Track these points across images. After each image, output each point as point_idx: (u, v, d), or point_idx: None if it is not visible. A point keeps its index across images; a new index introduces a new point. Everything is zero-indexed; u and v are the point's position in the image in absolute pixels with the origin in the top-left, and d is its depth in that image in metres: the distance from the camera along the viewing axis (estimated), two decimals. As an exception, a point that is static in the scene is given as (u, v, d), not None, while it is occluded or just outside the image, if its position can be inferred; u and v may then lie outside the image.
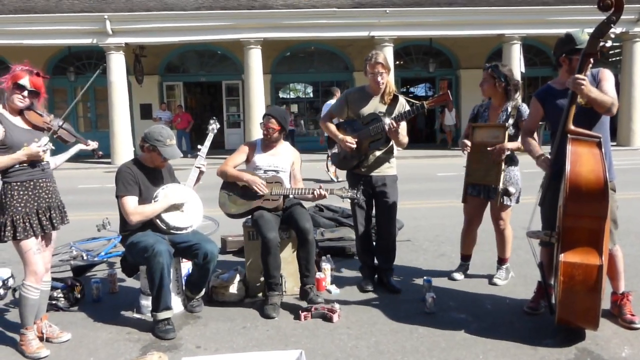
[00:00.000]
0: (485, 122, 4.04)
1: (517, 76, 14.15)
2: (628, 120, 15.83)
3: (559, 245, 2.94)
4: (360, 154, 3.85)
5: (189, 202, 3.61)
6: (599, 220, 2.83)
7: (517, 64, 14.93)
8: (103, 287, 4.06)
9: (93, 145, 3.76)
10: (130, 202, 3.39)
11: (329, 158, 4.10)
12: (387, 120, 3.64)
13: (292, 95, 20.87)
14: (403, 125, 3.75)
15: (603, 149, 2.90)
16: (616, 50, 17.08)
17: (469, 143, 3.95)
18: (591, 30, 2.89)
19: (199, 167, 3.81)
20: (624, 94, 15.67)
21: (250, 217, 3.89)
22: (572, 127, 3.00)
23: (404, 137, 3.78)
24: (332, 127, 3.96)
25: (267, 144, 3.96)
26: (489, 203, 4.04)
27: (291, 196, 3.93)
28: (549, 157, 3.16)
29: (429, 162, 13.90)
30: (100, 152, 3.78)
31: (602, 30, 2.83)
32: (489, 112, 4.05)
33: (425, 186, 9.48)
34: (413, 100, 3.85)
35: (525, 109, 3.91)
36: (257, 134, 13.79)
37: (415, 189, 8.78)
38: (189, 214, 3.59)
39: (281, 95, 20.33)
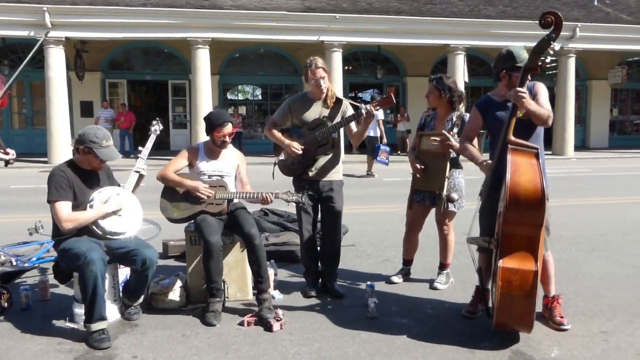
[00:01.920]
0: (432, 130, 4.12)
1: (461, 86, 14.65)
2: (562, 130, 16.70)
3: (498, 251, 3.03)
4: (307, 160, 3.84)
5: (127, 207, 3.48)
6: (536, 227, 2.93)
7: (460, 74, 15.47)
8: (33, 294, 3.85)
9: (10, 156, 3.58)
10: (63, 208, 3.23)
11: (275, 164, 4.07)
12: (365, 106, 3.65)
13: (241, 97, 20.63)
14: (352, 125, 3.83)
15: (540, 160, 3.01)
16: (553, 64, 18.01)
17: (419, 167, 4.03)
18: (532, 45, 3.01)
19: (138, 171, 3.67)
20: (559, 105, 16.55)
21: (192, 221, 3.80)
22: (512, 137, 3.11)
23: (361, 137, 3.85)
24: (277, 133, 3.93)
25: (212, 149, 3.89)
26: (434, 209, 4.12)
27: (236, 200, 3.87)
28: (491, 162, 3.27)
29: (376, 167, 14.11)
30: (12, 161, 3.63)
31: (543, 46, 2.97)
32: (435, 122, 4.14)
33: (372, 191, 9.59)
34: (357, 104, 3.87)
35: (468, 119, 4.02)
36: (204, 135, 13.53)
37: (362, 194, 8.86)
38: (127, 218, 3.46)
39: (229, 96, 20.07)
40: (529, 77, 3.11)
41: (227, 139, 3.81)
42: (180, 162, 3.91)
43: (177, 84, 18.40)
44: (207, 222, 3.64)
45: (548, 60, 3.00)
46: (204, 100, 14.70)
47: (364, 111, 3.62)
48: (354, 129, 3.86)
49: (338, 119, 3.81)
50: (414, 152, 4.15)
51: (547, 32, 2.94)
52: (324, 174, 3.91)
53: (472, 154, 3.40)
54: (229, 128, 3.80)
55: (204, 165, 3.87)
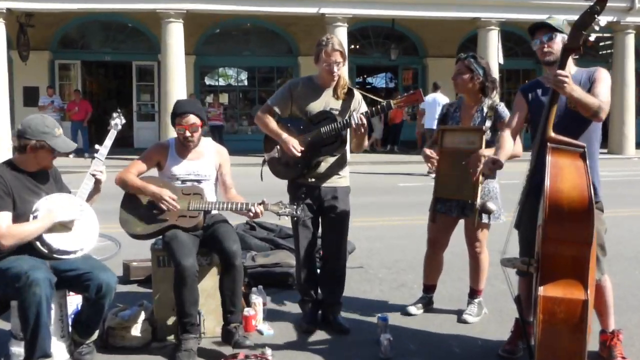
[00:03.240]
0: (457, 124, 4.10)
1: (495, 70, 14.65)
2: (620, 124, 16.60)
3: (538, 275, 3.00)
4: (307, 160, 3.82)
5: (80, 219, 3.44)
6: (583, 246, 2.89)
7: (494, 54, 15.46)
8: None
9: None
10: (1, 220, 3.20)
11: (264, 163, 4.08)
12: (355, 115, 3.68)
13: (222, 82, 20.72)
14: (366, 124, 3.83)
15: (588, 162, 2.98)
16: (607, 42, 17.99)
17: (435, 155, 4.01)
18: (574, 18, 2.99)
19: (94, 174, 3.63)
20: (615, 93, 16.49)
21: (161, 237, 3.77)
22: (552, 133, 3.07)
23: (365, 139, 3.86)
24: (272, 123, 3.91)
25: (185, 147, 3.88)
26: (464, 222, 4.10)
27: (214, 212, 3.85)
28: (497, 159, 3.22)
29: (389, 169, 14.21)
30: None
31: (585, 21, 2.93)
32: (461, 113, 4.12)
33: (384, 200, 9.60)
34: (376, 98, 3.88)
35: (503, 110, 4.00)
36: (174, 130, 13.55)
37: (371, 203, 8.86)
38: (78, 233, 3.42)
39: (208, 81, 20.15)
40: (575, 57, 3.10)
41: (189, 134, 3.81)
42: (145, 163, 3.89)
43: (143, 66, 18.44)
44: (178, 239, 3.61)
45: (593, 37, 2.97)
46: (177, 86, 14.73)
47: (353, 122, 3.68)
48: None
49: (348, 114, 3.83)
50: (432, 145, 4.16)
51: (590, 4, 2.92)
52: (327, 179, 3.90)
53: (498, 144, 3.37)
54: (190, 120, 3.78)
55: (176, 167, 3.85)
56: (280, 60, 19.32)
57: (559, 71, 2.99)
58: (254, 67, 19.58)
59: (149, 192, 3.75)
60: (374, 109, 3.76)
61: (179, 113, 3.81)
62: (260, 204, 3.69)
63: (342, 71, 3.85)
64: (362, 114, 3.70)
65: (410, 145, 18.15)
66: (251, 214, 3.69)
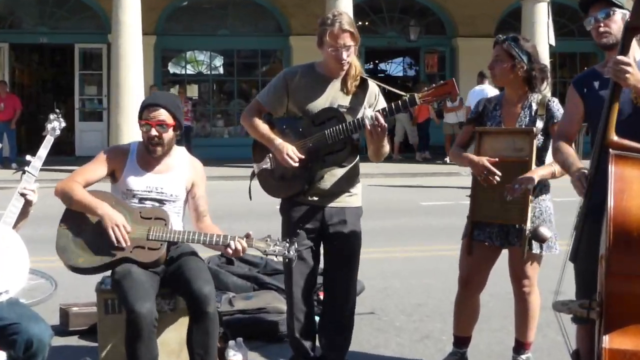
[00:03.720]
0: (498, 124, 4.10)
1: (544, 54, 14.70)
2: None
3: (602, 322, 2.98)
4: (308, 172, 3.86)
5: (4, 251, 3.43)
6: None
7: (542, 34, 15.53)
8: None
9: None
10: None
11: (254, 176, 4.10)
12: (368, 113, 3.65)
13: (191, 70, 20.84)
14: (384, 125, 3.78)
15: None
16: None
17: (489, 165, 3.94)
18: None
19: (24, 194, 3.61)
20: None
21: (110, 273, 3.77)
22: (614, 137, 3.05)
23: (385, 143, 3.81)
24: (263, 125, 3.92)
25: (150, 153, 3.86)
26: (508, 254, 4.08)
27: (181, 242, 3.83)
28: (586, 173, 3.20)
29: (409, 182, 14.27)
30: None
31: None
32: (503, 110, 4.11)
33: (402, 223, 9.61)
34: (396, 90, 3.86)
35: (557, 107, 4.00)
36: (129, 132, 13.62)
37: (385, 228, 8.86)
38: (2, 270, 3.41)
39: (172, 69, 20.27)
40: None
41: (156, 134, 3.76)
42: (99, 169, 3.87)
43: (88, 50, 18.54)
44: (133, 277, 3.59)
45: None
46: (132, 76, 14.79)
47: (367, 122, 3.64)
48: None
49: (361, 112, 3.80)
50: (461, 150, 4.15)
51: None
52: (333, 197, 3.92)
53: (564, 158, 3.35)
54: (160, 115, 3.75)
55: (135, 180, 3.83)
56: (266, 41, 19.44)
57: (619, 57, 2.96)
58: (232, 50, 19.69)
59: (98, 213, 3.72)
60: (393, 105, 3.72)
61: (147, 104, 3.83)
62: (243, 238, 3.67)
63: (354, 57, 3.84)
64: (379, 111, 3.68)
65: (435, 150, 18.21)
66: (230, 251, 3.66)
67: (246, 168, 15.66)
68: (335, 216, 3.91)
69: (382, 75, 24.04)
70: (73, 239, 3.77)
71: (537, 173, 3.84)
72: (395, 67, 24.76)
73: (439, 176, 14.94)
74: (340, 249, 3.94)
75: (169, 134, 3.82)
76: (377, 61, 23.49)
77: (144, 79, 15.26)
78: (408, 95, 3.70)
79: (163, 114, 3.79)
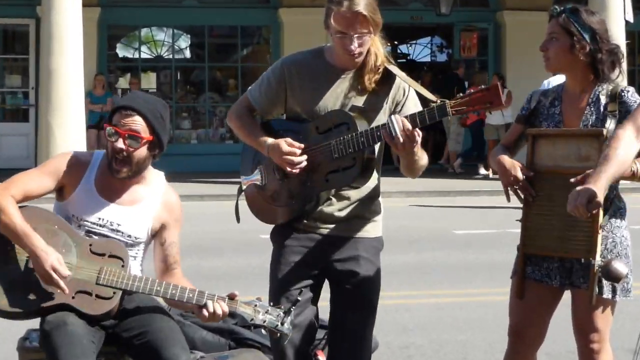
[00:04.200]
0: (556, 125, 4.08)
1: (618, 34, 14.64)
2: None
3: None
4: (309, 191, 3.87)
5: None
6: None
7: (616, 7, 15.55)
8: None
9: None
10: None
11: (241, 192, 4.12)
12: (394, 118, 3.60)
13: (147, 54, 20.87)
14: (419, 133, 3.70)
15: None
16: None
17: (520, 175, 3.94)
18: None
19: None
20: None
21: (40, 323, 3.74)
22: None
23: (422, 156, 3.78)
24: (254, 124, 3.99)
25: (112, 172, 3.82)
26: (571, 297, 4.06)
27: (142, 292, 3.77)
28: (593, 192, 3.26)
29: (439, 202, 14.40)
30: None
31: None
32: (563, 106, 4.10)
33: (429, 258, 9.63)
34: (423, 90, 3.82)
35: (634, 97, 3.98)
36: (65, 137, 13.57)
37: (406, 266, 8.90)
38: None
39: (122, 52, 20.35)
40: None
41: (122, 146, 3.69)
42: (43, 180, 3.84)
43: (10, 27, 18.56)
44: (67, 330, 3.57)
45: None
46: (68, 61, 14.73)
47: (393, 129, 3.57)
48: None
49: (382, 116, 3.82)
50: (504, 151, 4.13)
51: None
52: (344, 224, 3.94)
53: None
54: (133, 122, 3.72)
55: (85, 206, 3.82)
56: (247, 15, 19.48)
57: None
58: (202, 26, 19.73)
59: (27, 245, 3.67)
60: (418, 116, 3.67)
61: (121, 106, 3.80)
62: (225, 298, 3.67)
63: (378, 45, 3.84)
64: (406, 117, 3.64)
65: (472, 160, 18.26)
66: (206, 314, 3.64)
67: (221, 184, 15.71)
68: (346, 250, 3.91)
69: (404, 61, 24.00)
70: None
71: (604, 176, 3.74)
72: (420, 50, 24.83)
73: (478, 195, 15.07)
74: (351, 294, 3.91)
75: (140, 152, 3.76)
76: (396, 42, 23.42)
77: (84, 66, 15.24)
78: (437, 102, 3.64)
79: (138, 123, 3.73)
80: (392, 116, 3.62)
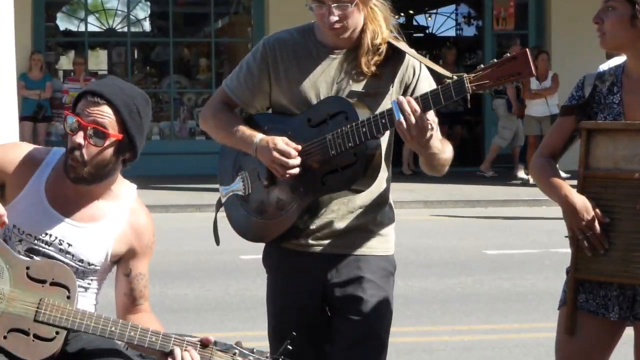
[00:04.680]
0: (616, 117, 4.11)
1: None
2: None
3: None
4: (300, 199, 3.93)
5: None
6: None
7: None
8: None
9: None
10: None
11: (220, 206, 4.14)
12: (399, 100, 3.60)
13: (95, 26, 20.90)
14: (434, 119, 3.77)
15: None
16: None
17: (596, 225, 3.95)
18: None
19: None
20: None
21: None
22: None
23: (443, 149, 3.83)
24: (236, 121, 4.03)
25: (65, 170, 3.83)
26: (634, 334, 4.08)
27: (92, 334, 3.76)
28: None
29: (466, 213, 14.50)
30: None
31: None
32: (624, 94, 4.12)
33: (453, 285, 9.68)
34: (437, 67, 3.83)
35: None
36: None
37: (425, 294, 8.96)
38: None
39: (63, 24, 20.42)
40: None
41: (81, 141, 3.66)
42: None
43: None
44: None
45: None
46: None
47: (398, 114, 3.54)
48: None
49: (389, 101, 3.84)
50: (550, 162, 4.14)
51: None
52: (344, 240, 4.00)
53: None
54: (99, 113, 3.69)
55: (30, 216, 3.82)
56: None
57: None
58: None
59: None
60: (430, 94, 3.66)
61: (87, 91, 3.78)
62: (197, 344, 3.68)
63: (376, 19, 3.88)
64: (417, 98, 3.72)
65: (504, 161, 18.32)
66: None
67: (190, 192, 15.76)
68: (346, 270, 3.95)
69: (422, 35, 24.03)
70: None
71: None
72: (442, 22, 24.88)
73: (513, 205, 15.14)
74: (353, 327, 3.94)
75: (104, 153, 3.75)
76: (411, 12, 23.50)
77: (15, 41, 15.28)
78: (454, 77, 3.68)
79: (106, 116, 3.70)
80: (397, 98, 3.66)
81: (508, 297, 8.76)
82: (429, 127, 3.61)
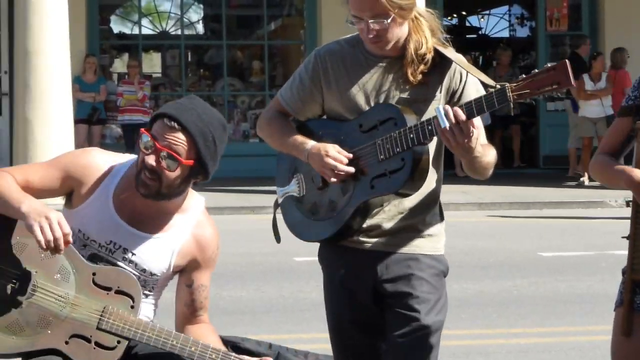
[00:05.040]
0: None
1: None
2: None
3: None
4: (352, 201, 3.95)
5: None
6: None
7: None
8: None
9: None
10: None
11: (277, 206, 4.15)
12: (442, 108, 3.59)
13: (149, 29, 20.92)
14: (479, 124, 3.81)
15: None
16: None
17: None
18: None
19: None
20: None
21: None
22: None
23: (485, 152, 3.84)
24: (289, 128, 4.08)
25: (136, 185, 3.82)
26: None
27: (153, 346, 3.81)
28: None
29: (521, 213, 14.40)
30: None
31: None
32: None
33: (508, 288, 9.62)
34: (481, 76, 3.82)
35: None
36: (47, 133, 13.64)
37: (478, 297, 8.95)
38: None
39: (117, 26, 20.45)
40: None
41: (154, 164, 3.70)
42: (48, 175, 3.87)
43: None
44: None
45: None
46: (49, 37, 14.80)
47: (442, 122, 3.54)
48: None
49: (435, 107, 3.81)
50: (611, 159, 4.10)
51: None
52: (391, 239, 4.01)
53: None
54: (175, 140, 3.73)
55: (95, 223, 3.85)
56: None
57: None
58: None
59: (21, 210, 3.63)
60: (474, 103, 3.65)
61: (165, 114, 3.79)
62: None
63: (421, 29, 3.89)
64: (461, 105, 3.69)
65: (557, 162, 18.21)
66: None
67: (245, 194, 15.81)
68: (396, 267, 3.97)
69: (474, 36, 23.92)
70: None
71: None
72: (495, 23, 24.76)
73: (568, 206, 15.01)
74: (404, 321, 3.92)
75: (175, 177, 3.79)
76: (464, 13, 23.41)
77: (70, 44, 15.34)
78: (497, 86, 3.67)
79: (180, 142, 3.74)
80: (440, 106, 3.67)
81: (564, 300, 8.73)
82: (472, 133, 3.65)
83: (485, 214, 14.53)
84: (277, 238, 4.10)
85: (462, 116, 3.59)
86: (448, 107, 3.62)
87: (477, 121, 3.76)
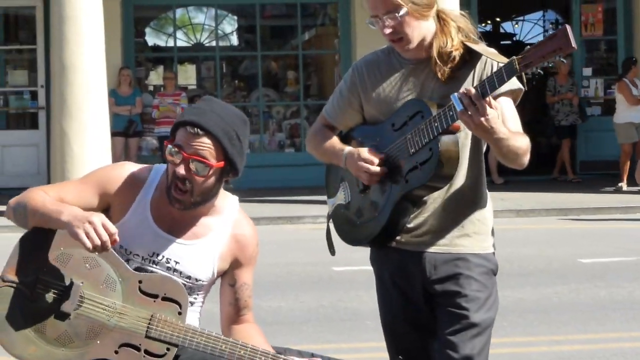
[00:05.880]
0: None
1: None
2: None
3: None
4: (392, 199, 3.98)
5: None
6: None
7: None
8: None
9: None
10: None
11: (330, 218, 4.18)
12: (457, 93, 3.66)
13: (183, 41, 20.99)
14: (507, 105, 3.85)
15: None
16: None
17: None
18: None
19: None
20: None
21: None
22: None
23: (512, 136, 3.81)
24: (331, 140, 4.13)
25: (169, 201, 3.81)
26: None
27: (202, 352, 3.78)
28: None
29: (559, 220, 14.31)
30: None
31: None
32: None
33: (550, 293, 9.58)
34: (495, 56, 3.83)
35: None
36: (84, 146, 13.71)
37: (520, 304, 8.91)
38: None
39: (151, 39, 20.52)
40: None
41: (184, 173, 3.69)
42: (84, 194, 3.86)
43: (13, 11, 18.78)
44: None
45: None
46: (85, 51, 14.86)
47: (456, 103, 3.63)
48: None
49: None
50: None
51: None
52: (436, 238, 4.03)
53: None
54: (201, 147, 3.70)
55: (135, 236, 3.84)
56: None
57: None
58: (252, 5, 19.82)
59: (62, 220, 3.62)
60: (487, 81, 3.70)
61: (186, 122, 3.77)
62: None
63: (447, 30, 3.92)
64: (476, 87, 3.69)
65: (597, 167, 18.12)
66: None
67: (280, 204, 15.84)
68: (444, 267, 3.98)
69: (509, 42, 23.91)
70: (21, 306, 3.76)
71: None
72: (530, 30, 24.69)
73: (606, 212, 14.95)
74: (454, 319, 3.94)
75: (208, 182, 3.77)
76: (498, 19, 23.37)
77: (105, 57, 15.39)
78: (506, 61, 3.70)
79: (206, 146, 3.71)
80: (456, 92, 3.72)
81: (605, 306, 8.69)
82: (488, 113, 3.65)
83: (523, 221, 14.49)
84: (332, 251, 4.17)
85: (474, 93, 3.63)
86: (462, 90, 3.68)
87: (503, 102, 3.86)
